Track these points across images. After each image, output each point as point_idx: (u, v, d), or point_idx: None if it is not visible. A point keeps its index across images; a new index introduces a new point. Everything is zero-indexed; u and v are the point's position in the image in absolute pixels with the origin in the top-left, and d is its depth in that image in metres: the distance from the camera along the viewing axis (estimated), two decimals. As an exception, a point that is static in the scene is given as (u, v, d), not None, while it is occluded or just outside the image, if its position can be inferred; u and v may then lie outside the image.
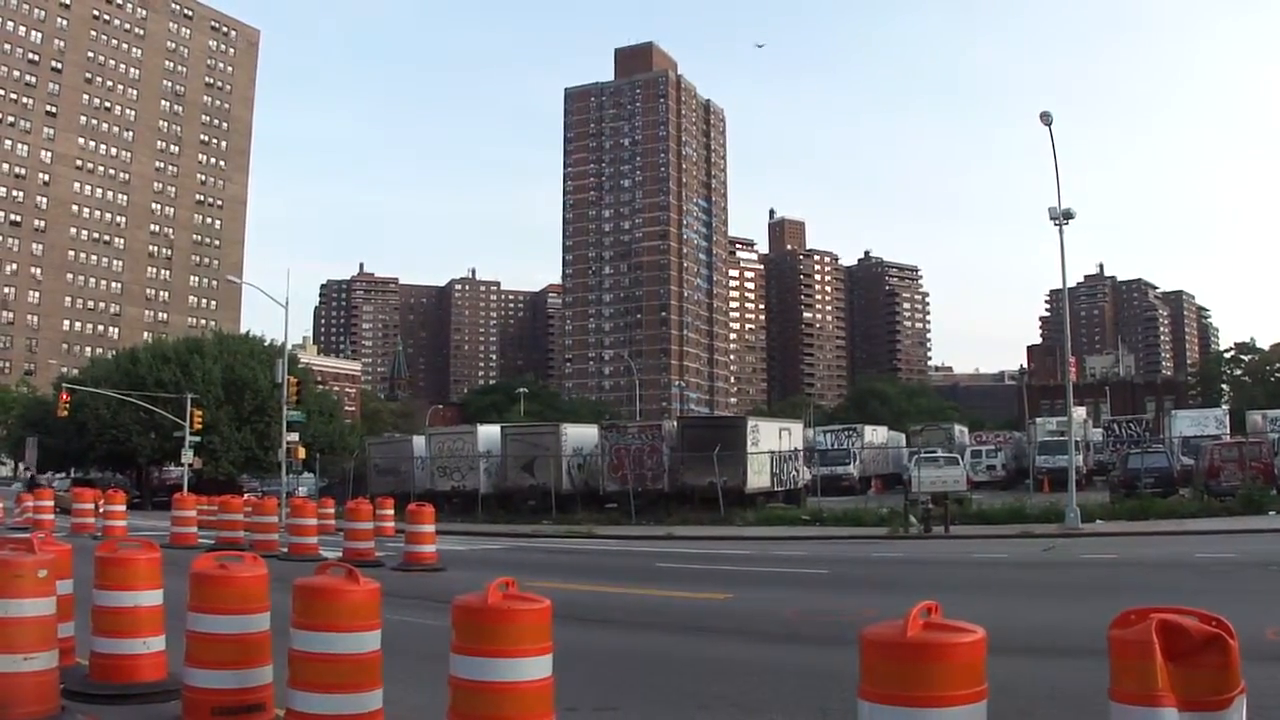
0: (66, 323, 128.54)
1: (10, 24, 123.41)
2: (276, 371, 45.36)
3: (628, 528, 33.08)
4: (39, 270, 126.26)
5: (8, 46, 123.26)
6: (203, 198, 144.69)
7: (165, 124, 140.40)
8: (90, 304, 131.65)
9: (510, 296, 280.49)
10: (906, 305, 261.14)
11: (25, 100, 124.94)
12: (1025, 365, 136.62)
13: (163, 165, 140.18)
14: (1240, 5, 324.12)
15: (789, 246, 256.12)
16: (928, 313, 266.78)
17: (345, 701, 5.92)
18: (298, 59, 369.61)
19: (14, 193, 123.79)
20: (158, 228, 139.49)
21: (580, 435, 41.98)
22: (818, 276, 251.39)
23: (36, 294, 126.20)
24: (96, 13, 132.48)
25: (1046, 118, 28.96)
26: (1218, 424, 47.18)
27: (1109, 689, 3.71)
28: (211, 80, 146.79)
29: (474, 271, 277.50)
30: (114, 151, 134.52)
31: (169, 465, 65.54)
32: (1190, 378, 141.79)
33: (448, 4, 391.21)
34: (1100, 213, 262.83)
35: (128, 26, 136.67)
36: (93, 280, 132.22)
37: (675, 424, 43.30)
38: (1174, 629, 3.62)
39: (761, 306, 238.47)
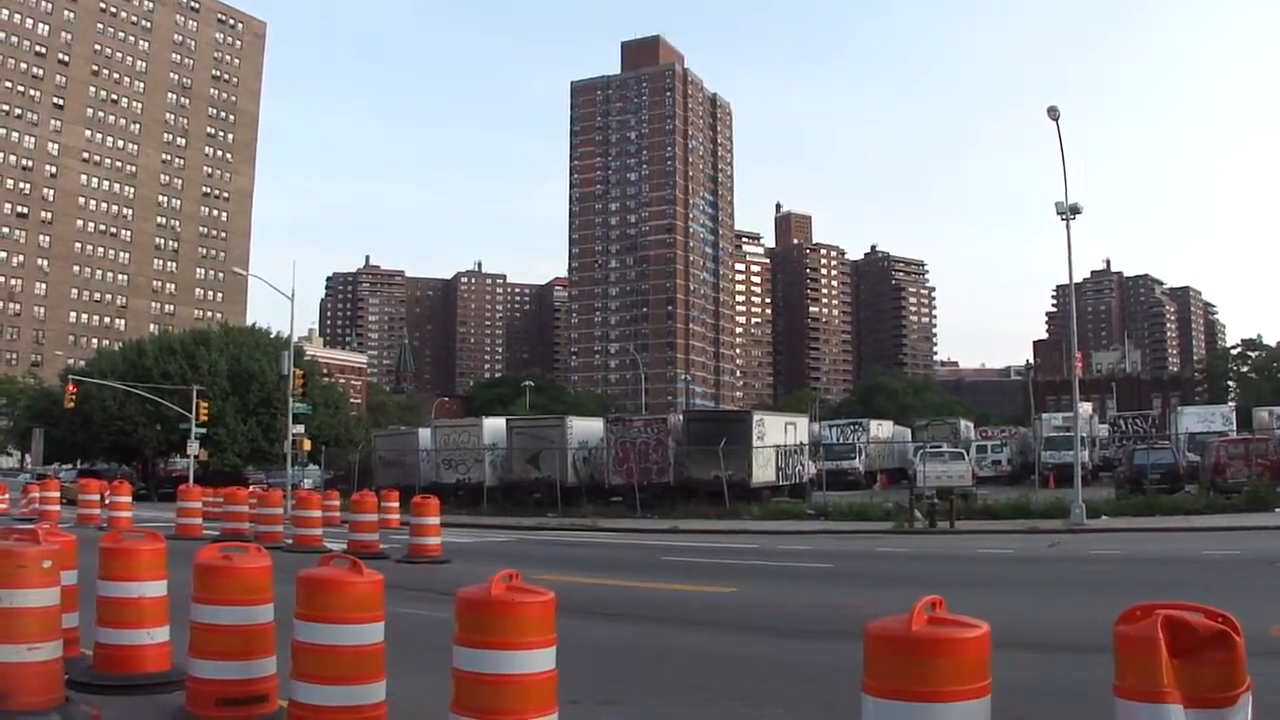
0: (73, 315, 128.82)
1: (17, 17, 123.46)
2: (282, 364, 45.34)
3: (632, 521, 33.07)
4: (45, 262, 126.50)
5: (15, 39, 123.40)
6: (209, 190, 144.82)
7: (172, 116, 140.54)
8: (97, 296, 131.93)
9: (516, 289, 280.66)
10: (912, 300, 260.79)
11: (32, 93, 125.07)
12: (1031, 360, 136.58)
13: (169, 158, 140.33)
14: None
15: (795, 240, 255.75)
16: (934, 307, 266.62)
17: (348, 693, 5.92)
18: (304, 52, 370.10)
19: (21, 185, 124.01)
20: (164, 220, 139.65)
21: (585, 428, 41.95)
22: (824, 270, 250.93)
23: (43, 286, 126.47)
24: (103, 5, 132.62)
25: (1054, 113, 28.85)
26: (1224, 420, 47.00)
27: (1114, 685, 3.70)
28: (218, 73, 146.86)
29: (480, 264, 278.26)
30: (120, 144, 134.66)
31: (175, 457, 65.76)
32: (1197, 374, 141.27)
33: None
34: (1107, 207, 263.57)
35: (134, 19, 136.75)
36: (99, 272, 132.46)
37: (681, 417, 43.28)
38: (1180, 625, 3.60)
39: (767, 300, 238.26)
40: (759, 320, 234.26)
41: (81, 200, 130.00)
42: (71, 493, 35.26)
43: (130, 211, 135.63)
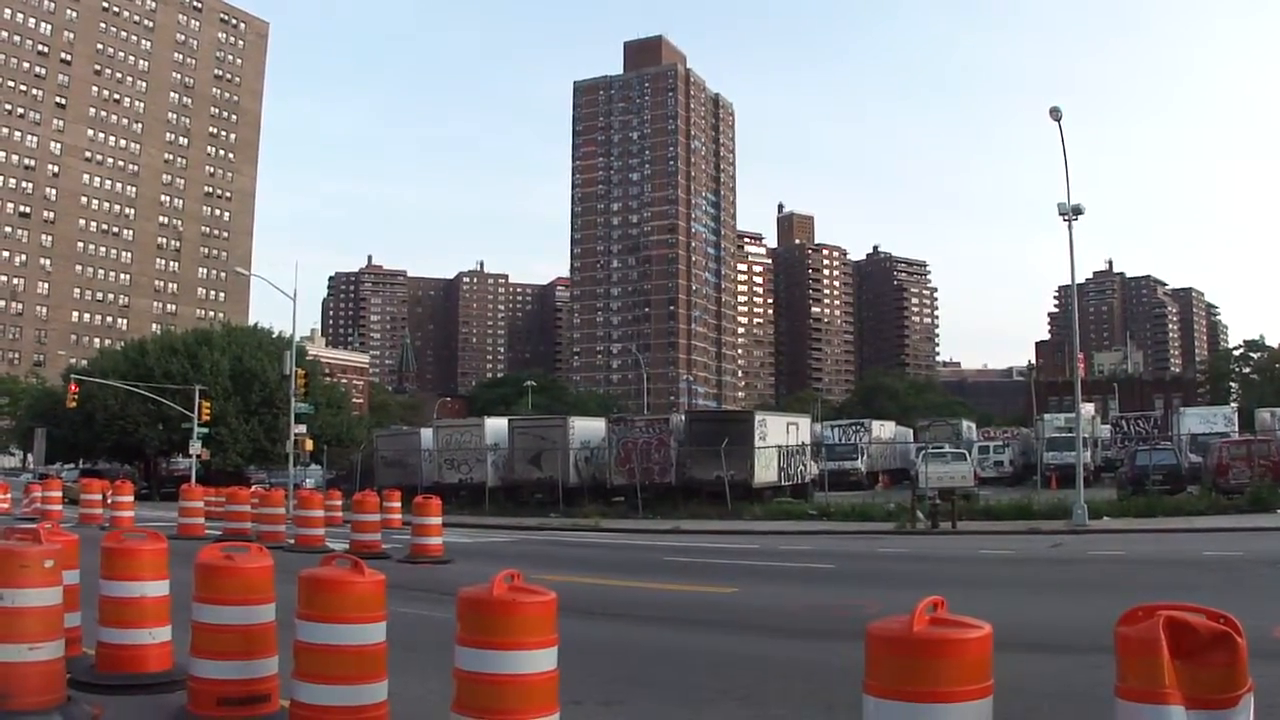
0: (75, 314, 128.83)
1: (20, 16, 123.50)
2: (284, 363, 45.40)
3: (634, 521, 33.07)
4: (48, 261, 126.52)
5: (18, 38, 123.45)
6: (211, 189, 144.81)
7: (174, 116, 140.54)
8: (99, 295, 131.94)
9: (518, 289, 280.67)
10: (915, 300, 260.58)
11: (35, 92, 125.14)
12: (1033, 361, 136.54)
13: (171, 157, 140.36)
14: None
15: (797, 241, 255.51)
16: (936, 308, 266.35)
17: (349, 693, 5.92)
18: (307, 51, 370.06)
19: (23, 184, 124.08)
20: (166, 219, 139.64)
21: (588, 428, 41.97)
22: (826, 271, 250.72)
23: (45, 285, 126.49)
24: (106, 5, 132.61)
25: (1056, 113, 28.80)
26: (1226, 421, 46.91)
27: (1116, 686, 3.70)
28: (220, 72, 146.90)
29: (482, 264, 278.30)
30: (123, 143, 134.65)
31: (177, 457, 65.79)
32: (1199, 375, 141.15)
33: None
34: (1110, 208, 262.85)
35: (137, 19, 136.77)
36: (101, 271, 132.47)
37: (683, 418, 43.32)
38: (1181, 626, 3.60)
39: (770, 301, 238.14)
40: (761, 320, 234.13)
41: (84, 199, 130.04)
42: (74, 492, 35.30)
43: (132, 211, 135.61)
